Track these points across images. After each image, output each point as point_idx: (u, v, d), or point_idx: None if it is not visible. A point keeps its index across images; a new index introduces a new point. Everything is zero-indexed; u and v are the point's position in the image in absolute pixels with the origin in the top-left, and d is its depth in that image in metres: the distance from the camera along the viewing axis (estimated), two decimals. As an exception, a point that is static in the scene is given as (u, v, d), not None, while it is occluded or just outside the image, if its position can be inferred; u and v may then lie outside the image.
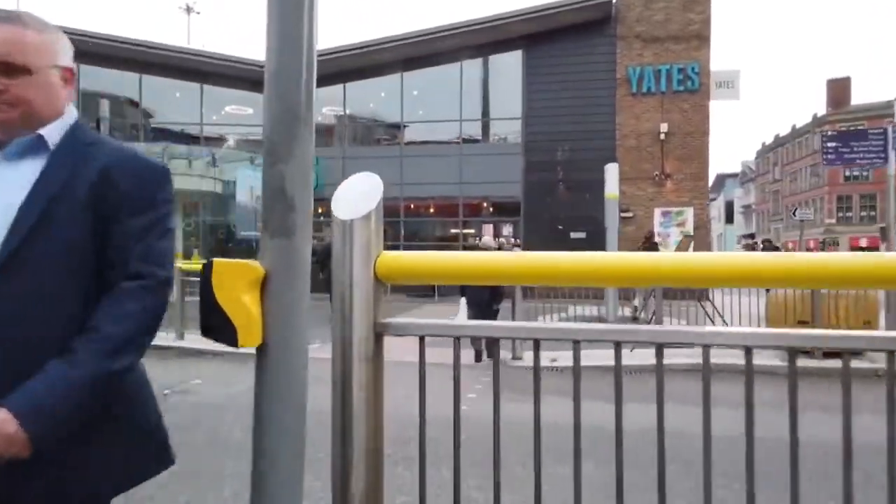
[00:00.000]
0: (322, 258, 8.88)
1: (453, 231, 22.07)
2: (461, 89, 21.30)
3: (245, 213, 12.52)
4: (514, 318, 7.67)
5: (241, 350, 1.49)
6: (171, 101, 22.57)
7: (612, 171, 11.55)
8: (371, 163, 21.51)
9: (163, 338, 9.10)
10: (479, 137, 21.76)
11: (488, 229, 21.42)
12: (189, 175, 12.42)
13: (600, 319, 10.70)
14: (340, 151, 21.68)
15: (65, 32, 1.49)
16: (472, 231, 21.78)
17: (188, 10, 66.54)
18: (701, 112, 19.20)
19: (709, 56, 19.32)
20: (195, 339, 8.80)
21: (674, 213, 18.97)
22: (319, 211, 22.96)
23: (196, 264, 11.10)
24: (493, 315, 7.66)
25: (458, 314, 7.50)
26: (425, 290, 19.33)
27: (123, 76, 21.15)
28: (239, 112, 22.79)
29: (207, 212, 17.65)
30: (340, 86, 22.06)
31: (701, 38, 19.25)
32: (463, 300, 7.44)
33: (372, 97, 22.60)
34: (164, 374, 6.85)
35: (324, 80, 22.55)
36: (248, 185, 12.49)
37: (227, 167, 13.17)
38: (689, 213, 19.06)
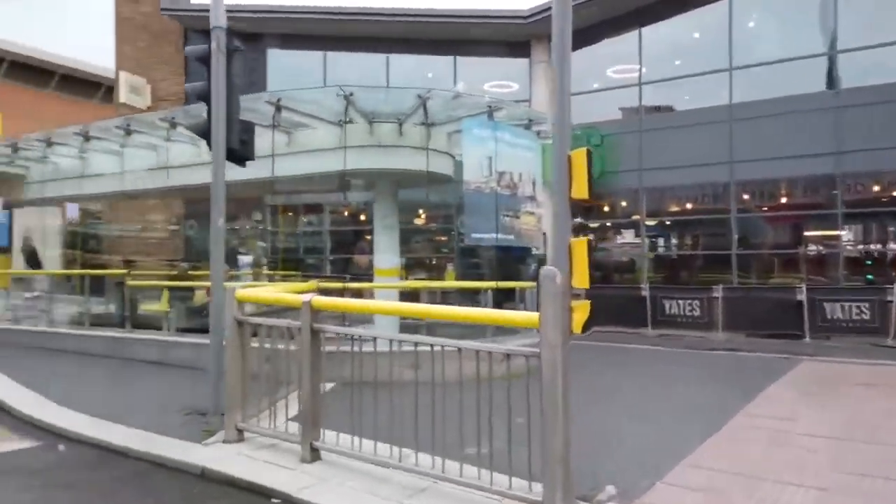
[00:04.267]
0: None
1: (818, 233, 14.55)
2: (833, 5, 13.88)
3: (477, 202, 7.61)
4: None
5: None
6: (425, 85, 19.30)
7: None
8: (684, 135, 15.27)
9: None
10: (865, 79, 13.88)
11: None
12: (399, 146, 7.99)
13: None
14: (636, 124, 15.91)
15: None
16: (830, 232, 14.09)
17: None
18: None
19: None
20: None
21: None
22: (605, 209, 17.54)
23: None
24: None
25: None
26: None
27: (371, 59, 18.48)
28: (502, 88, 18.55)
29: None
30: (634, 32, 16.32)
31: None
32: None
33: (681, 40, 16.32)
34: None
35: (607, 28, 17.20)
36: (483, 153, 7.59)
37: (457, 134, 8.47)
38: None
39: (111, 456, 5.13)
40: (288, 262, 17.30)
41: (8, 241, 13.83)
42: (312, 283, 7.23)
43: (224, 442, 5.15)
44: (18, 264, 13.75)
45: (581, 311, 4.09)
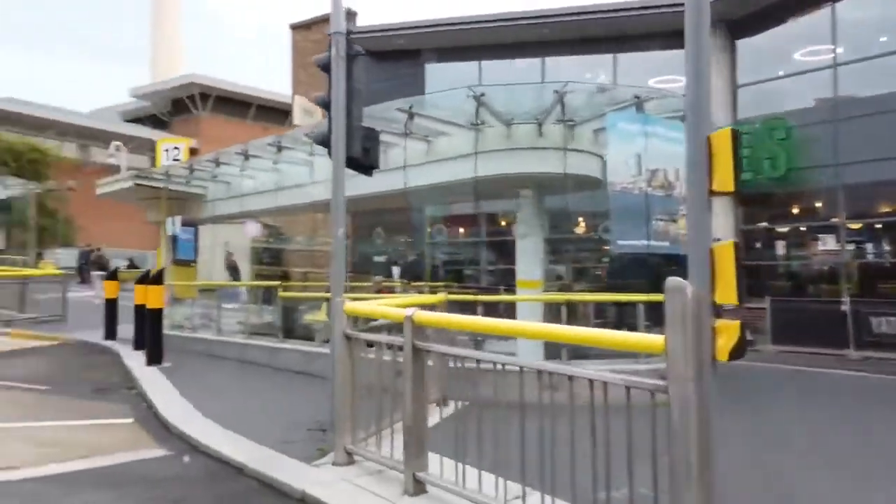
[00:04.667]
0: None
1: None
2: None
3: (624, 205, 6.79)
4: None
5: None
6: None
7: None
8: (893, 121, 12.88)
9: None
10: None
11: None
12: (537, 149, 7.43)
13: None
14: (830, 112, 13.79)
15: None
16: None
17: None
18: None
19: None
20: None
21: None
22: (793, 211, 15.35)
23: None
24: None
25: None
26: None
27: (526, 64, 18.05)
28: (669, 83, 17.12)
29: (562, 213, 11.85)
30: (826, 8, 14.21)
31: None
32: None
33: (886, 12, 13.90)
34: None
35: (793, 5, 15.01)
36: (631, 150, 6.76)
37: (605, 132, 7.70)
38: None
39: (228, 471, 5.08)
40: (445, 273, 17.26)
41: (194, 255, 15.20)
42: (441, 296, 6.86)
43: (333, 464, 4.89)
44: (206, 276, 15.03)
45: (728, 333, 3.22)
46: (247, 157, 10.47)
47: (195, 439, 5.83)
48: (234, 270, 16.03)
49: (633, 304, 8.22)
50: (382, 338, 4.70)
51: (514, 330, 3.90)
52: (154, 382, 8.43)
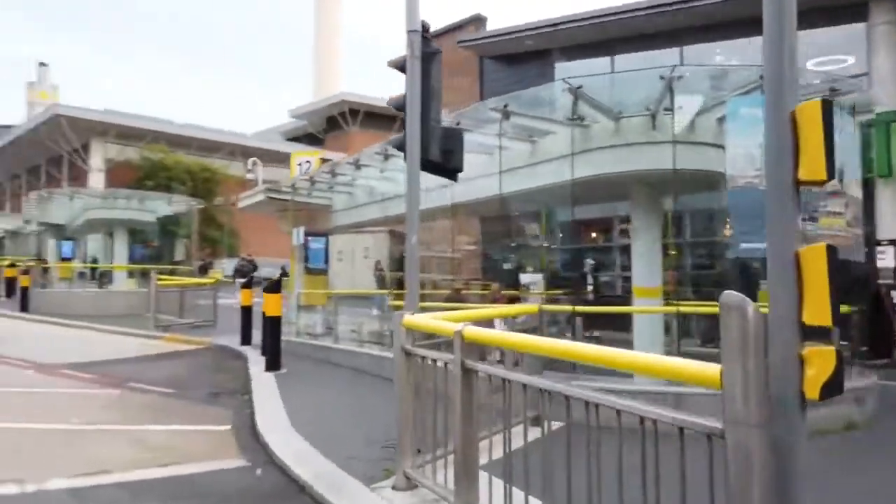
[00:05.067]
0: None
1: None
2: None
3: (747, 203, 5.90)
4: None
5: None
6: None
7: None
8: None
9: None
10: None
11: None
12: (647, 143, 6.73)
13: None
14: None
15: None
16: None
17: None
18: None
19: None
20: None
21: None
22: None
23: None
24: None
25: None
26: None
27: (662, 55, 16.84)
28: (832, 65, 15.15)
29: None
30: None
31: None
32: None
33: None
34: None
35: None
36: (755, 139, 5.88)
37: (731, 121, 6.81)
38: None
39: (291, 488, 4.95)
40: (572, 281, 16.42)
41: (325, 264, 15.73)
42: (533, 307, 6.32)
43: (393, 488, 4.57)
44: (333, 284, 15.51)
45: (820, 362, 2.49)
46: (357, 166, 10.56)
47: (273, 451, 5.80)
48: (381, 280, 16.48)
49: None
50: (434, 354, 4.32)
51: (552, 350, 3.35)
52: (264, 389, 8.66)
